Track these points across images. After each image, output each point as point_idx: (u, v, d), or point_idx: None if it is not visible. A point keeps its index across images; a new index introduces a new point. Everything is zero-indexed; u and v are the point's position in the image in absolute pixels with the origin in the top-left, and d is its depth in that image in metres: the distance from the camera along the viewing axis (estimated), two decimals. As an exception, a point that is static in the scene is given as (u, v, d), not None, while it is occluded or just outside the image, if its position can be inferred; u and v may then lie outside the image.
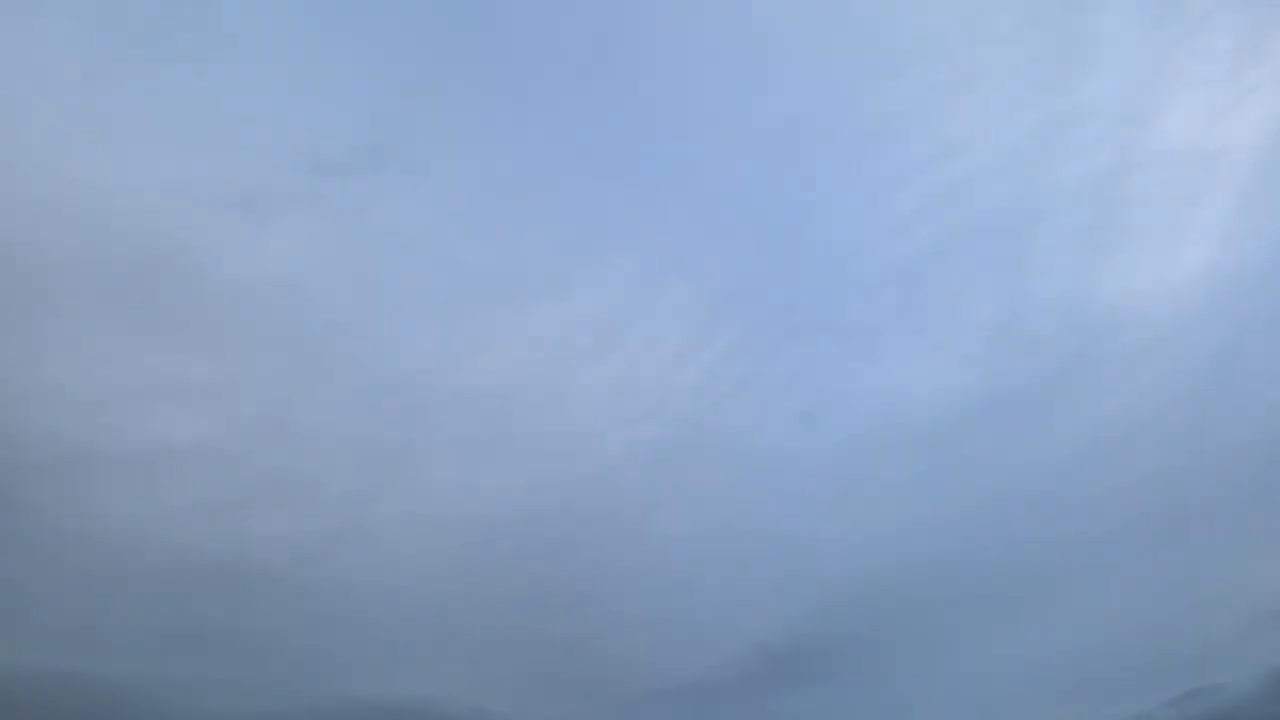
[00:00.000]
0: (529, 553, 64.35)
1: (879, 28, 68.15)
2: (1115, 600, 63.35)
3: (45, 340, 49.69)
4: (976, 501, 68.81)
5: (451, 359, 67.07)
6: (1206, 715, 52.84)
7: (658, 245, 73.06)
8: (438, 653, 59.97)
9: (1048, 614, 63.47)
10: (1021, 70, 70.83)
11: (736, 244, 74.88)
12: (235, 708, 51.60)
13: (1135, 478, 67.16)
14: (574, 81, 67.63)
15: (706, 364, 72.88)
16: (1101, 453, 69.06)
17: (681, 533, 68.01)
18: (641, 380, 71.08)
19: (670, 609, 65.72)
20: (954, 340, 74.37)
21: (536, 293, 69.87)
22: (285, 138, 59.39)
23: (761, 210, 75.09)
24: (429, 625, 60.10)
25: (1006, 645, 62.71)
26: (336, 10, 60.84)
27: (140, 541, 52.49)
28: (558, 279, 70.31)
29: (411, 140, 63.42)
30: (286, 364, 59.82)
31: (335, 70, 61.41)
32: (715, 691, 62.79)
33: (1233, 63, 67.77)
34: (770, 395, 72.98)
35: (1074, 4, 68.98)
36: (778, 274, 75.10)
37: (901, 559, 66.23)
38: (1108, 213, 73.28)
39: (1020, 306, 74.28)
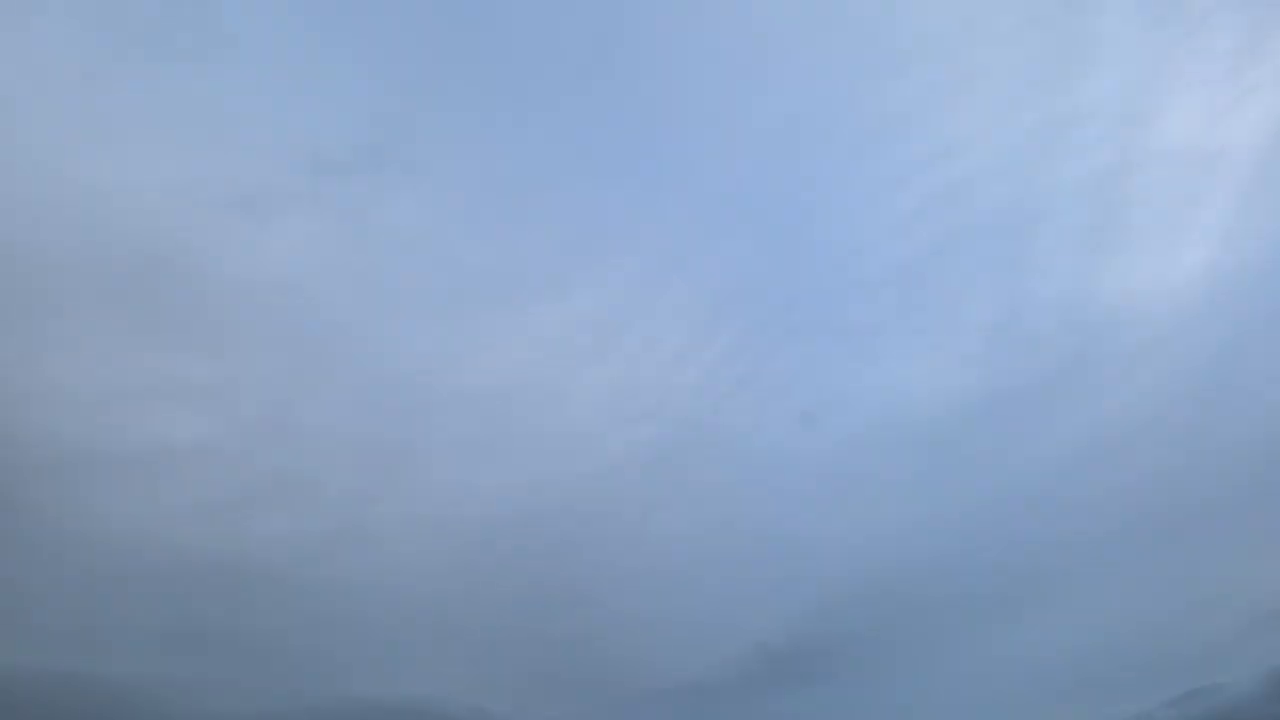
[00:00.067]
0: (529, 553, 64.42)
1: (878, 28, 68.31)
2: (1115, 600, 63.40)
3: (45, 340, 49.74)
4: (976, 501, 68.90)
5: (451, 359, 67.17)
6: (1206, 715, 52.83)
7: (657, 245, 73.20)
8: (438, 653, 60.01)
9: (1048, 614, 63.53)
10: (1021, 70, 70.99)
11: (736, 244, 75.07)
12: (236, 708, 51.64)
13: (1135, 478, 67.25)
14: (573, 81, 67.76)
15: (706, 364, 73.00)
16: (1101, 453, 69.17)
17: (681, 533, 68.10)
18: (641, 380, 71.18)
19: (670, 609, 65.78)
20: (954, 340, 74.46)
21: (536, 293, 70.01)
22: (285, 138, 59.46)
23: (761, 210, 75.24)
24: (429, 625, 60.14)
25: (1006, 645, 62.76)
26: (336, 11, 60.92)
27: (140, 541, 52.53)
28: (557, 279, 70.46)
29: (411, 140, 63.56)
30: (286, 364, 59.94)
31: (335, 71, 61.49)
32: (715, 692, 62.86)
33: (1232, 63, 67.87)
34: (770, 395, 73.10)
35: (1074, 4, 69.12)
36: (777, 274, 75.23)
37: (901, 559, 66.31)
38: (1108, 213, 73.37)
39: (1020, 306, 74.38)
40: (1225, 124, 69.51)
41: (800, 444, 71.58)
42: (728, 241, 74.86)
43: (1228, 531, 62.78)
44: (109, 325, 52.75)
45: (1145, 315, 71.05)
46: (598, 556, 65.64)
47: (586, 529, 66.61)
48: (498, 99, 65.84)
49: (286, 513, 58.63)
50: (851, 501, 70.34)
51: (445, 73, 63.77)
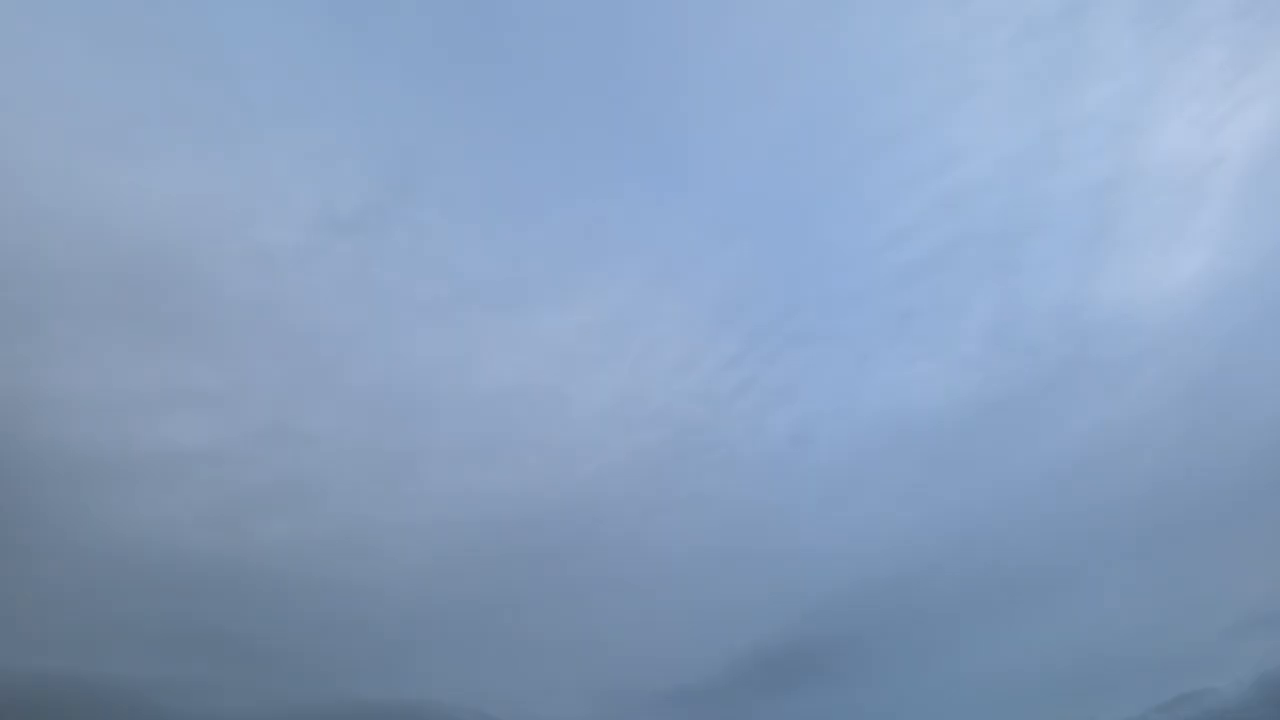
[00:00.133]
0: (529, 557, 64.86)
1: (879, 41, 68.96)
2: (1108, 605, 64.05)
3: (55, 348, 50.18)
4: (972, 507, 69.48)
5: (454, 366, 67.69)
6: (1198, 719, 53.40)
7: (659, 254, 73.81)
8: (438, 656, 60.42)
9: (1040, 619, 64.17)
10: (1020, 82, 71.78)
11: (736, 253, 75.66)
12: (239, 709, 51.97)
13: (1129, 484, 67.88)
14: (577, 95, 68.21)
15: (707, 371, 73.66)
16: (1096, 458, 69.76)
17: (680, 537, 68.58)
18: (642, 387, 71.67)
19: (668, 613, 66.29)
20: (952, 347, 75.06)
21: (539, 301, 70.47)
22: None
23: (761, 220, 75.87)
24: (429, 628, 60.54)
25: (999, 650, 63.39)
26: None
27: (147, 546, 52.91)
28: (560, 288, 70.94)
29: (416, 151, 63.90)
30: (291, 371, 60.35)
31: (353, 97, 61.60)
32: (713, 694, 63.38)
33: (1226, 75, 68.60)
34: (770, 401, 73.65)
35: (1071, 18, 69.76)
36: (777, 282, 75.82)
37: (897, 564, 66.91)
38: (1104, 221, 74.01)
39: (1017, 313, 74.99)
40: (1219, 134, 70.29)
41: (799, 449, 72.28)
42: (728, 251, 75.62)
43: (1220, 537, 63.46)
44: (118, 334, 53.23)
45: (1141, 322, 71.86)
46: (597, 561, 66.15)
47: (586, 534, 67.15)
48: (504, 112, 66.44)
49: (290, 517, 59.08)
50: (848, 507, 71.00)
51: (455, 85, 64.26)
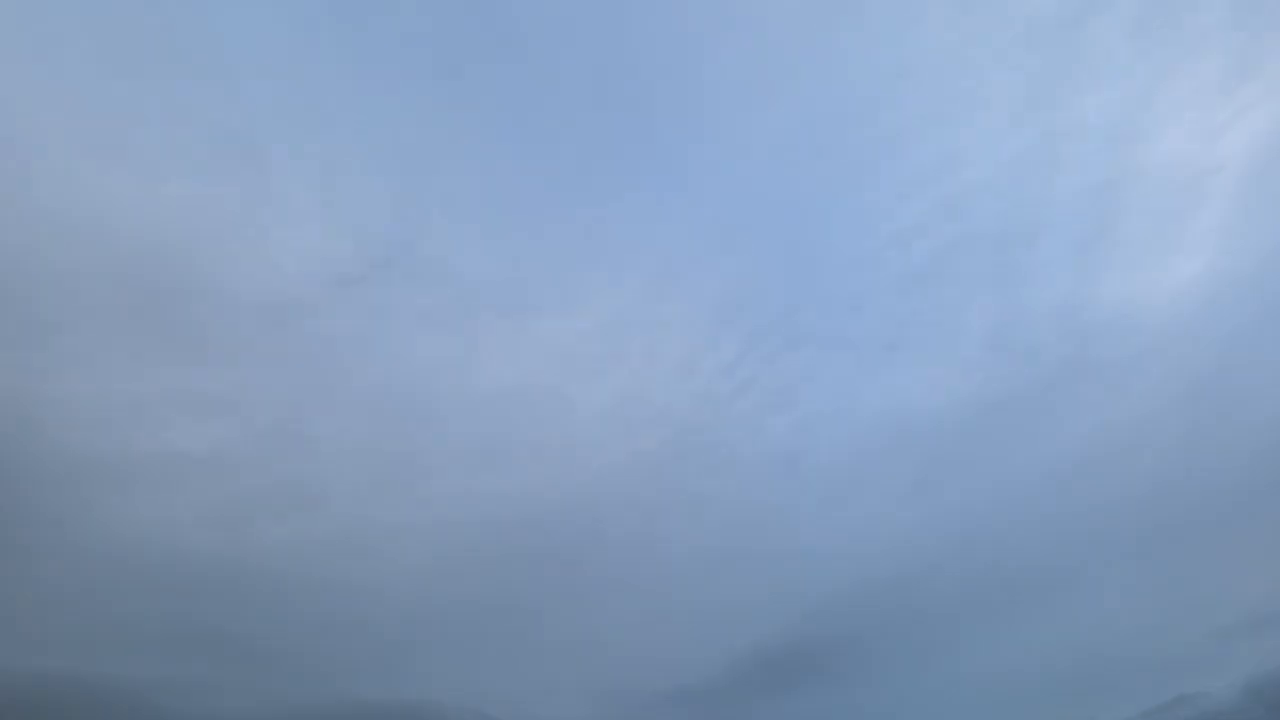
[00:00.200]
0: (530, 558, 65.14)
1: (881, 48, 69.18)
2: (1105, 607, 64.62)
3: (65, 353, 50.24)
4: (972, 507, 69.95)
5: (458, 369, 67.84)
6: (1192, 720, 54.00)
7: (661, 258, 73.99)
8: (439, 656, 60.73)
9: (1039, 620, 64.70)
10: (1020, 88, 72.12)
11: (738, 257, 75.93)
12: (239, 708, 52.25)
13: (1127, 486, 68.42)
14: (580, 101, 68.23)
15: (708, 373, 73.98)
16: (1094, 461, 70.27)
17: (681, 538, 68.92)
18: (644, 389, 71.93)
19: (669, 613, 66.67)
20: (952, 349, 75.47)
21: (542, 304, 70.61)
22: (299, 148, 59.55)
23: (763, 223, 76.13)
24: (431, 629, 60.82)
25: (997, 651, 63.92)
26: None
27: (153, 548, 53.06)
28: (563, 291, 71.10)
29: (422, 153, 63.88)
30: (296, 375, 60.40)
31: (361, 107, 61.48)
32: (713, 694, 63.85)
33: (1224, 81, 69.03)
34: (770, 403, 74.02)
35: (1070, 25, 70.09)
36: (779, 285, 76.13)
37: (898, 565, 67.39)
38: (1103, 225, 74.44)
39: (1017, 316, 75.38)
40: (1217, 140, 70.76)
41: (799, 451, 72.64)
42: (730, 254, 75.89)
43: (1217, 539, 64.04)
44: (121, 338, 53.29)
45: (1140, 323, 72.36)
46: (597, 561, 66.47)
47: (586, 534, 67.43)
48: (505, 116, 66.43)
49: (295, 520, 59.24)
50: (848, 507, 71.40)
51: (456, 91, 64.15)
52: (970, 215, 74.99)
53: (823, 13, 67.29)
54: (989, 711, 61.40)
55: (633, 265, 73.07)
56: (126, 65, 51.15)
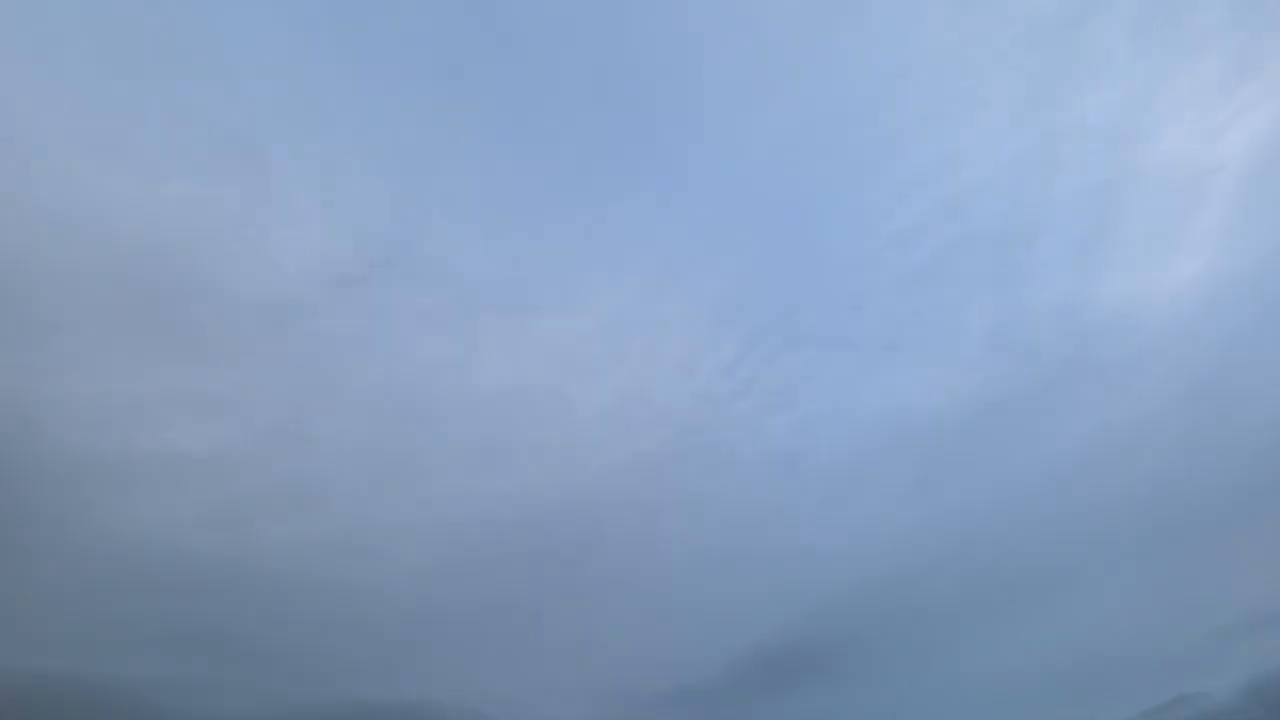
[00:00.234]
0: (530, 558, 65.20)
1: (881, 48, 69.37)
2: (1105, 607, 64.68)
3: (66, 354, 50.35)
4: (972, 507, 70.04)
5: (458, 369, 67.93)
6: (1192, 720, 54.07)
7: (661, 259, 74.11)
8: (439, 657, 60.80)
9: (1039, 620, 64.77)
10: (1020, 89, 72.30)
11: (738, 257, 76.06)
12: (240, 708, 52.33)
13: (1127, 486, 68.50)
14: (580, 100, 68.39)
15: (708, 373, 74.06)
16: (1096, 459, 70.36)
17: (681, 538, 68.98)
18: (644, 389, 72.03)
19: (669, 613, 66.72)
20: (952, 349, 75.58)
21: (542, 305, 70.72)
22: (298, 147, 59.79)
23: (763, 224, 76.25)
24: (431, 629, 60.89)
25: (997, 651, 63.98)
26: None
27: (151, 547, 53.15)
28: (563, 291, 71.21)
29: (422, 153, 64.02)
30: (296, 376, 60.49)
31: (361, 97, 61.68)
32: (713, 694, 63.92)
33: (1223, 82, 69.23)
34: (770, 403, 74.11)
35: (1070, 26, 70.29)
36: (778, 286, 76.26)
37: (898, 565, 67.45)
38: (1103, 226, 74.58)
39: (1017, 316, 75.49)
40: (1218, 138, 70.93)
41: (799, 451, 72.75)
42: (729, 255, 76.02)
43: (1217, 539, 64.15)
44: (121, 338, 53.42)
45: (1139, 324, 72.49)
46: (598, 562, 66.55)
47: (587, 535, 67.50)
48: (505, 116, 66.61)
49: (294, 520, 59.33)
50: (848, 507, 71.46)
51: (456, 90, 64.33)
52: (970, 215, 75.20)
53: (823, 13, 67.54)
54: (989, 711, 61.50)
55: (633, 265, 73.23)
56: (126, 65, 51.36)
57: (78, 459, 51.37)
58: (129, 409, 53.50)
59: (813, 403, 74.22)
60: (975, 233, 75.13)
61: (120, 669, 50.08)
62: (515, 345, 69.45)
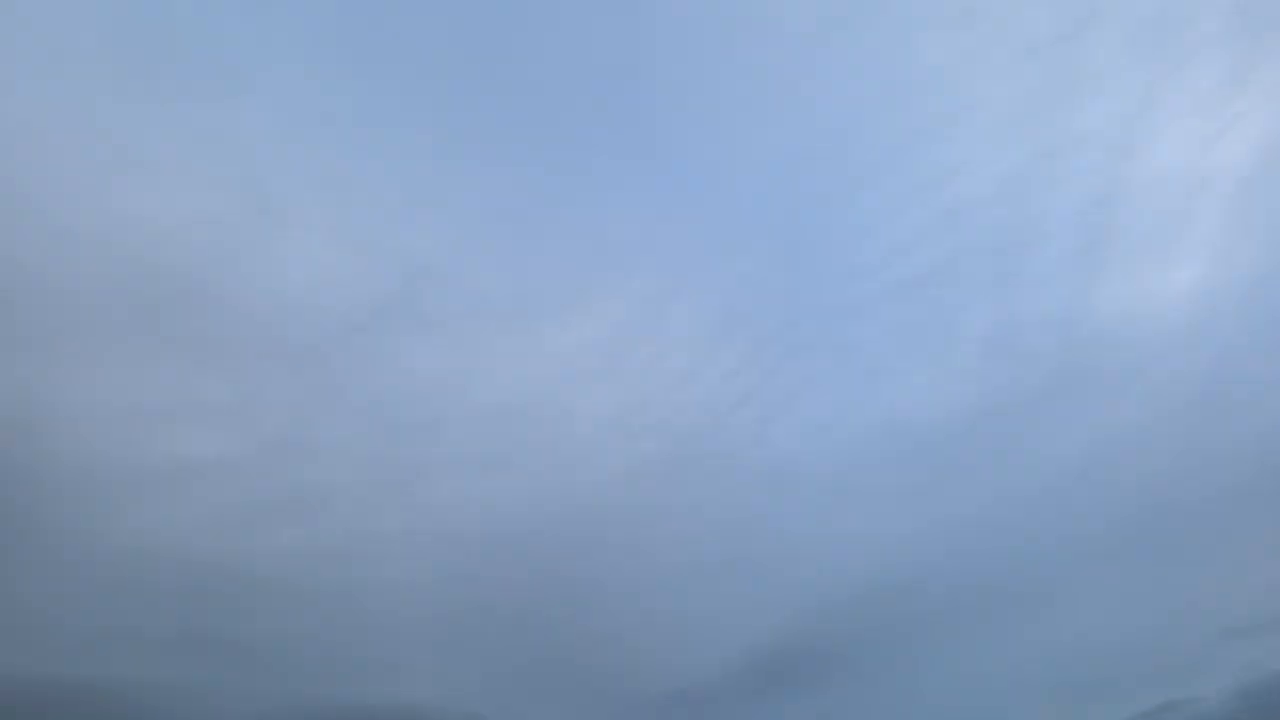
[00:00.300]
0: (531, 564, 65.85)
1: (881, 64, 69.82)
2: (1097, 612, 65.56)
3: (66, 364, 50.89)
4: (969, 516, 70.80)
5: (462, 377, 68.37)
6: (1182, 727, 54.83)
7: (663, 267, 74.49)
8: (439, 661, 61.51)
9: (1035, 627, 65.62)
10: (1017, 100, 72.75)
11: (740, 266, 76.41)
12: (241, 711, 53.09)
13: (1123, 491, 69.35)
14: (582, 109, 68.79)
15: (710, 381, 74.47)
16: (1091, 466, 71.20)
17: (681, 546, 69.64)
18: (646, 397, 72.52)
19: (668, 619, 67.44)
20: (951, 357, 76.17)
21: (545, 313, 71.11)
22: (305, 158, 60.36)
23: (764, 233, 76.62)
24: (432, 635, 61.60)
25: (995, 657, 64.86)
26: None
27: (155, 554, 53.83)
28: (564, 302, 71.64)
29: (425, 162, 64.45)
30: (301, 383, 60.99)
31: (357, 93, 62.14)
32: (712, 698, 64.71)
33: (1219, 93, 69.81)
34: (772, 411, 74.64)
35: (1067, 39, 70.79)
36: (780, 294, 76.68)
37: (895, 572, 68.21)
38: (1100, 235, 75.19)
39: (1015, 324, 76.10)
40: (1212, 151, 71.56)
41: (798, 459, 73.30)
42: (731, 264, 76.40)
43: (1208, 547, 64.99)
44: (126, 348, 53.94)
45: (1135, 333, 73.16)
46: (598, 567, 67.20)
47: (588, 541, 68.14)
48: (509, 123, 66.99)
49: (298, 526, 59.99)
50: (848, 513, 72.12)
51: (461, 99, 64.72)
52: (969, 225, 75.83)
53: (825, 30, 68.09)
54: (982, 716, 62.35)
55: (636, 276, 73.78)
56: (136, 79, 51.81)
57: (82, 466, 52.07)
58: (133, 417, 54.18)
59: (812, 411, 74.93)
60: (974, 243, 75.79)
61: (124, 673, 50.86)
62: (518, 355, 70.04)
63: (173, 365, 54.47)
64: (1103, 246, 75.07)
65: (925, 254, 76.24)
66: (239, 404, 57.71)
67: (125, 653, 51.46)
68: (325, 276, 62.13)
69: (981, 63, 70.19)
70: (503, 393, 68.57)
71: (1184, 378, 70.14)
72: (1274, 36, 67.00)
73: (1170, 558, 65.92)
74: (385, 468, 63.09)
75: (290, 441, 60.03)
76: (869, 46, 68.78)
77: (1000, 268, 76.54)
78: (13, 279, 48.34)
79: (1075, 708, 60.85)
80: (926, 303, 76.28)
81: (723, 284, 75.78)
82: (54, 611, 49.94)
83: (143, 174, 51.99)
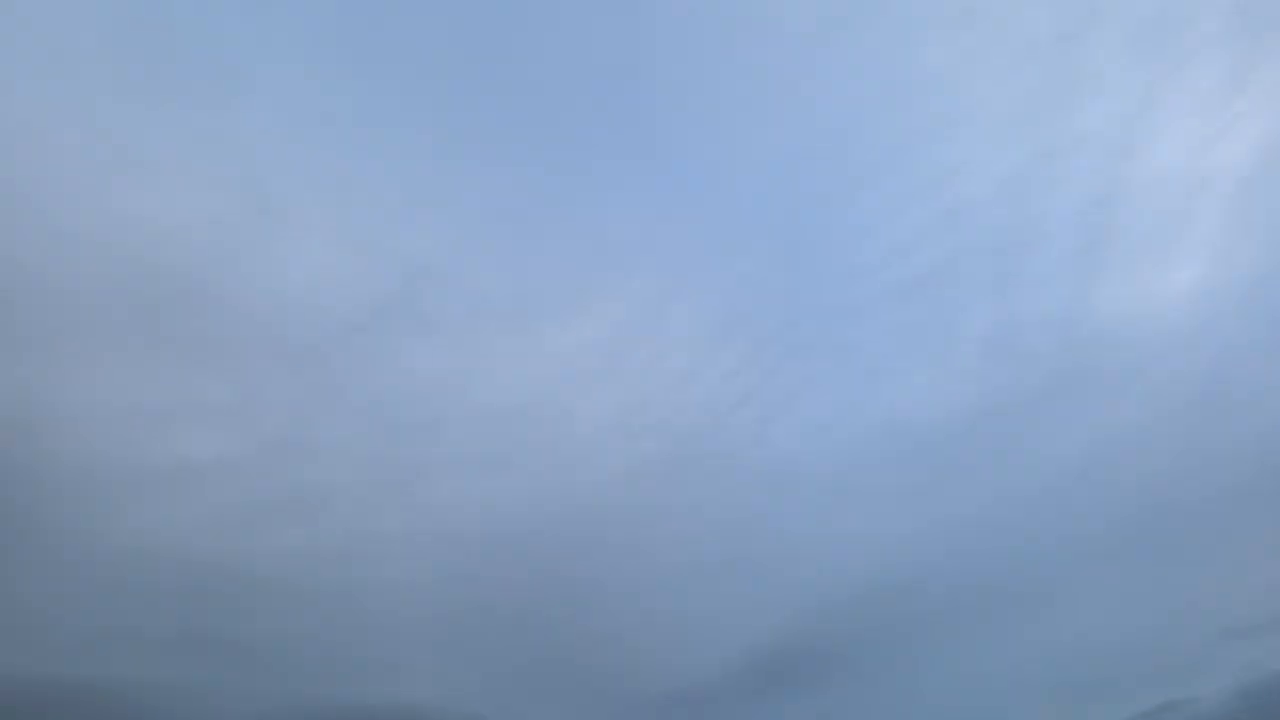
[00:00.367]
0: (532, 565, 65.86)
1: (881, 65, 70.02)
2: (1096, 613, 65.57)
3: (67, 364, 50.88)
4: (967, 516, 70.84)
5: (462, 378, 68.43)
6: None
7: (664, 268, 74.60)
8: (440, 661, 61.49)
9: (1035, 627, 65.61)
10: (1018, 102, 72.97)
11: (740, 267, 76.57)
12: (242, 711, 53.06)
13: (1122, 492, 69.38)
14: (582, 110, 68.90)
15: (710, 382, 74.58)
16: (1090, 466, 71.25)
17: (681, 546, 69.67)
18: (647, 398, 72.58)
19: (668, 619, 67.44)
20: (951, 358, 76.27)
21: (546, 314, 71.20)
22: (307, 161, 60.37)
23: (764, 234, 76.76)
24: (432, 635, 61.59)
25: (994, 657, 64.83)
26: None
27: (156, 554, 53.81)
28: (565, 302, 71.73)
29: (425, 163, 64.50)
30: (301, 383, 61.03)
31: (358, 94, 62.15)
32: (713, 698, 64.71)
33: (1217, 94, 69.94)
34: (772, 411, 74.70)
35: (1067, 40, 70.99)
36: (780, 295, 76.83)
37: (895, 572, 68.19)
38: (1099, 236, 75.31)
39: (1014, 325, 76.22)
40: (1211, 152, 71.66)
41: (798, 459, 73.37)
42: (732, 265, 76.53)
43: (1207, 547, 65.02)
44: (127, 349, 53.98)
45: (1135, 334, 73.27)
46: (599, 568, 67.20)
47: (588, 541, 68.14)
48: (509, 124, 67.06)
49: (298, 526, 59.97)
50: (848, 513, 72.14)
51: (460, 99, 64.86)
52: (969, 226, 75.90)
53: (825, 32, 68.16)
54: (980, 715, 62.39)
55: (636, 276, 73.83)
56: (136, 82, 51.83)
57: (82, 466, 52.05)
58: (133, 417, 54.20)
59: (812, 411, 74.95)
60: (974, 243, 75.87)
61: (124, 673, 50.84)
62: (518, 355, 70.07)
63: (173, 365, 54.66)
64: (1103, 247, 75.28)
65: (925, 254, 76.63)
66: (239, 404, 57.92)
67: (125, 653, 51.42)
68: (325, 276, 62.60)
69: (981, 63, 70.70)
70: (503, 393, 68.78)
71: (1184, 378, 70.29)
72: (1274, 36, 67.22)
73: (1170, 558, 65.92)
74: (385, 468, 63.20)
75: (290, 441, 60.23)
76: (869, 46, 69.28)
77: (1000, 268, 76.77)
78: (13, 279, 48.39)
79: (1075, 708, 60.91)
80: (926, 303, 76.54)
81: (723, 284, 76.32)
82: (54, 611, 49.89)
83: (143, 174, 52.41)
